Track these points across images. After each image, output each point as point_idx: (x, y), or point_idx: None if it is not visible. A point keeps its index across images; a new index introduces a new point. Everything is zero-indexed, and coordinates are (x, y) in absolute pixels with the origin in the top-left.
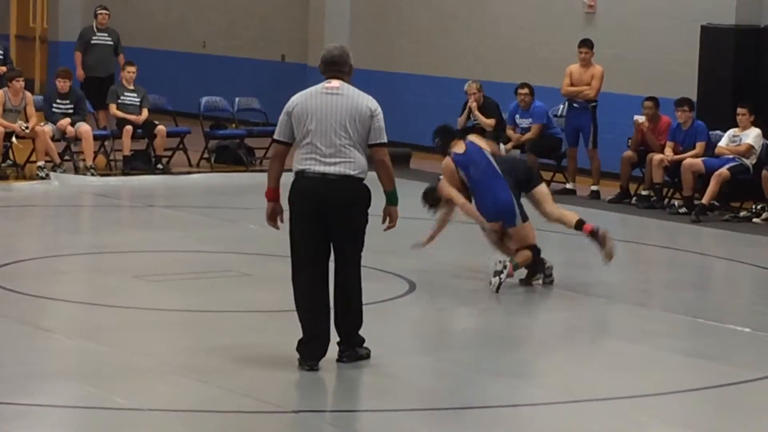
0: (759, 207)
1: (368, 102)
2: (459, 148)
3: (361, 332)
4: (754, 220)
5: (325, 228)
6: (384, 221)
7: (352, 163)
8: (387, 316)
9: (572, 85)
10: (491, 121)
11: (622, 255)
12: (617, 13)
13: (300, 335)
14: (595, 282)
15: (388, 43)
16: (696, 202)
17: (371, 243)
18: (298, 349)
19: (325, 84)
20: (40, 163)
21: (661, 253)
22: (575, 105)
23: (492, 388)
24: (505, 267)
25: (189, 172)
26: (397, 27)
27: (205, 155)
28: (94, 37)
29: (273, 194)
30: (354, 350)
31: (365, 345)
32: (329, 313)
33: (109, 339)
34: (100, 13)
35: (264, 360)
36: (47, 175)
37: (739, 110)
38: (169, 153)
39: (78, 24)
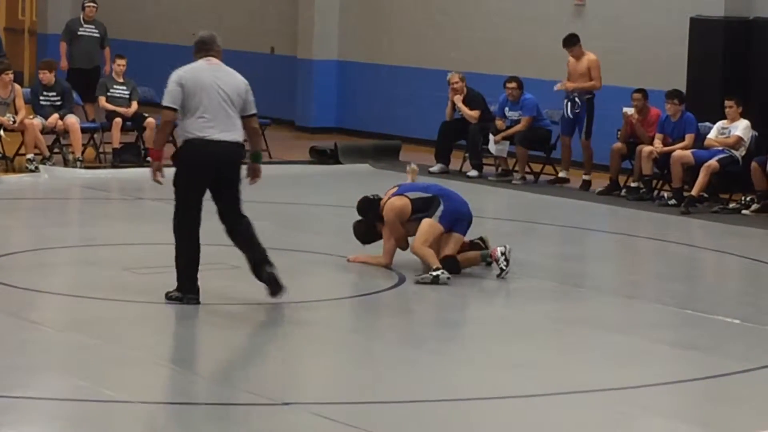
0: (748, 198)
1: (242, 78)
2: (392, 191)
3: (351, 323)
4: (744, 211)
5: (212, 187)
6: (248, 176)
7: (239, 131)
8: (377, 308)
9: (569, 77)
10: (475, 113)
11: (612, 247)
12: (606, 5)
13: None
14: (585, 274)
15: (377, 36)
16: (685, 193)
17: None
18: (179, 288)
19: (206, 62)
20: (29, 156)
21: (651, 244)
22: (574, 96)
23: (482, 380)
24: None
25: None
26: (386, 19)
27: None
28: (80, 29)
29: (160, 154)
30: (272, 264)
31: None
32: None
33: (98, 331)
34: (88, 6)
35: (254, 352)
36: (36, 167)
37: (727, 102)
38: None
39: (67, 16)
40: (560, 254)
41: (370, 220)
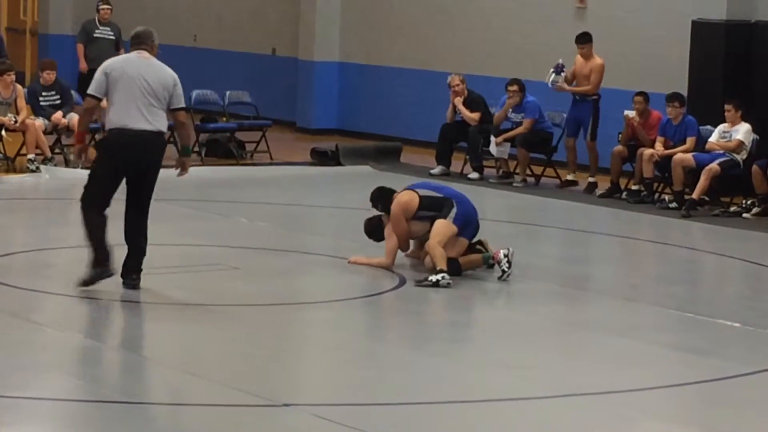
0: (749, 202)
1: (171, 72)
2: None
3: (352, 324)
4: (744, 215)
5: (128, 176)
6: (176, 168)
7: (160, 122)
8: (378, 310)
9: (574, 77)
10: (476, 115)
11: (613, 250)
12: (608, 8)
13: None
14: (586, 276)
15: (378, 37)
16: (686, 197)
17: (362, 237)
18: (94, 264)
19: (137, 54)
20: (31, 156)
21: (652, 247)
22: (577, 97)
23: (483, 382)
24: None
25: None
26: (387, 21)
27: (196, 148)
28: (96, 31)
29: (83, 137)
30: (139, 276)
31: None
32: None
33: (98, 332)
34: (103, 9)
35: (254, 353)
36: (38, 168)
37: (726, 106)
38: None
39: (69, 17)
40: (561, 257)
41: (381, 210)
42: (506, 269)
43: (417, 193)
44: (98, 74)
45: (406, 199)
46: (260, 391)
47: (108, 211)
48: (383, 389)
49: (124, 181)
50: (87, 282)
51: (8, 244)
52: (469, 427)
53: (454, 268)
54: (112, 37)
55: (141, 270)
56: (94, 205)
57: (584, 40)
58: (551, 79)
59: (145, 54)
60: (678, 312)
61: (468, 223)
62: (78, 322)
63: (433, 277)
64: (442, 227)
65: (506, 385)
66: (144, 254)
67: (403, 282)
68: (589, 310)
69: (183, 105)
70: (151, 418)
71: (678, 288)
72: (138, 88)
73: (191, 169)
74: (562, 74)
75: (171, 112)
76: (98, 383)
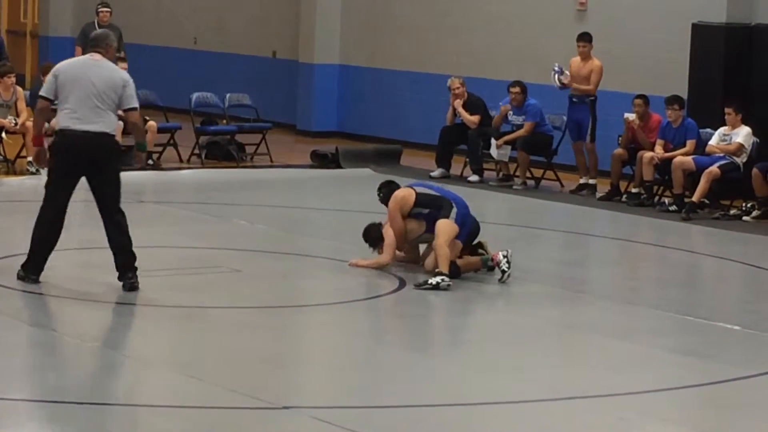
0: (749, 205)
1: (122, 74)
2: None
3: (352, 326)
4: (744, 218)
5: (87, 178)
6: (134, 162)
7: (108, 123)
8: (378, 312)
9: (571, 77)
10: (475, 118)
11: (613, 253)
12: (608, 10)
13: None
14: (585, 279)
15: (379, 40)
16: (686, 199)
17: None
18: (23, 265)
19: (90, 56)
20: (30, 158)
21: (651, 250)
22: (574, 99)
23: (482, 384)
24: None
25: (179, 168)
26: (388, 23)
27: (196, 151)
28: (94, 34)
29: (40, 140)
30: (135, 275)
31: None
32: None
33: (98, 334)
34: (102, 11)
35: (253, 356)
36: (37, 170)
37: (726, 109)
38: (160, 149)
39: (69, 19)
40: (561, 260)
41: (381, 199)
42: (506, 269)
43: (414, 190)
44: (49, 76)
45: (402, 194)
46: (260, 394)
47: (61, 215)
48: (383, 392)
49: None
50: (19, 276)
51: (8, 246)
52: (468, 430)
53: (453, 271)
54: None
55: (136, 269)
56: (49, 207)
57: (586, 39)
58: (557, 78)
59: (97, 56)
60: (678, 315)
61: (463, 225)
62: (77, 325)
63: (433, 280)
64: (447, 226)
65: (506, 388)
66: (130, 251)
67: (402, 284)
68: (588, 313)
69: (133, 105)
70: (150, 420)
71: (678, 291)
72: (84, 90)
73: (191, 172)
74: (566, 72)
75: (125, 112)
76: (97, 385)
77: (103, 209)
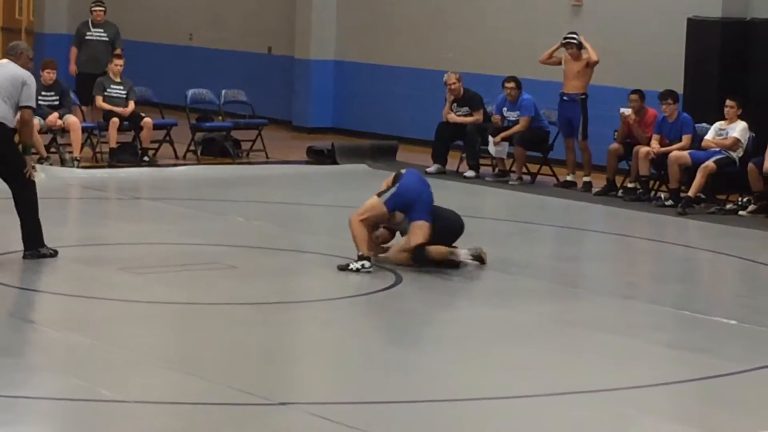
0: (745, 199)
1: (23, 75)
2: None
3: (348, 322)
4: (740, 212)
5: None
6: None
7: (6, 116)
8: (373, 308)
9: (564, 76)
10: (478, 115)
11: (609, 248)
12: (604, 5)
13: None
14: (582, 274)
15: (374, 36)
16: (682, 194)
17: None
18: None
19: (6, 61)
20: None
21: (648, 245)
22: (565, 98)
23: (478, 380)
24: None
25: (175, 165)
26: (384, 19)
27: (192, 147)
28: (88, 33)
29: None
30: (37, 251)
31: (49, 247)
32: None
33: (95, 331)
34: (95, 10)
35: (250, 352)
36: (34, 167)
37: (728, 102)
38: (156, 145)
39: (64, 16)
40: (557, 255)
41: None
42: (469, 261)
43: (386, 206)
44: None
45: (372, 203)
46: (256, 390)
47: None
48: (379, 387)
49: None
50: None
51: (5, 244)
52: (465, 425)
53: (421, 256)
54: (107, 39)
55: (42, 246)
56: None
57: (572, 44)
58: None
59: (4, 61)
60: (674, 310)
61: (409, 204)
62: (74, 321)
63: (354, 265)
64: (370, 204)
65: (503, 383)
66: (33, 226)
67: (399, 280)
68: (585, 308)
69: (29, 104)
70: (147, 417)
71: (674, 286)
72: None
73: (187, 168)
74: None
75: (19, 108)
76: (95, 382)
77: (12, 189)
